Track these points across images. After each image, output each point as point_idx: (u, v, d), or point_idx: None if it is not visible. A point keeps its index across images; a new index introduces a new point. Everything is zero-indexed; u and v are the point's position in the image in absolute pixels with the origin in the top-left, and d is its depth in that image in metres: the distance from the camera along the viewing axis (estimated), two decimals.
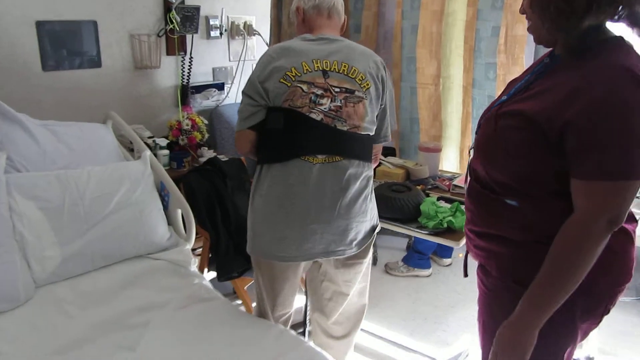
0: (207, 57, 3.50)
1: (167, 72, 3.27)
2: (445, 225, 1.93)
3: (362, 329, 2.60)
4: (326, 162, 1.64)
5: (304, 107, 1.60)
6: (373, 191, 1.81)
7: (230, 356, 1.56)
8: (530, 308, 1.13)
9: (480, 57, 2.49)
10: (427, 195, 2.22)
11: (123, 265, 2.04)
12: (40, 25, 2.67)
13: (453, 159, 2.81)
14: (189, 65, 3.30)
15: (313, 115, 1.61)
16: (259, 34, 3.68)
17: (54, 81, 2.78)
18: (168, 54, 3.24)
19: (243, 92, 1.68)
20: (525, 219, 1.17)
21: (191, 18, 3.18)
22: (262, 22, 3.69)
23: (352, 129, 1.65)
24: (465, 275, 1.49)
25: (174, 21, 3.05)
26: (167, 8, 3.09)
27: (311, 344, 1.65)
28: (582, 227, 1.07)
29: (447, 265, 3.35)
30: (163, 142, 2.89)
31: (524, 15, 1.18)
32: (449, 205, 2.03)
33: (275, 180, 1.66)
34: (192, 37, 3.32)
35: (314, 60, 1.61)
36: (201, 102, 3.42)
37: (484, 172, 1.23)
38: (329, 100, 1.61)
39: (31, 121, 2.19)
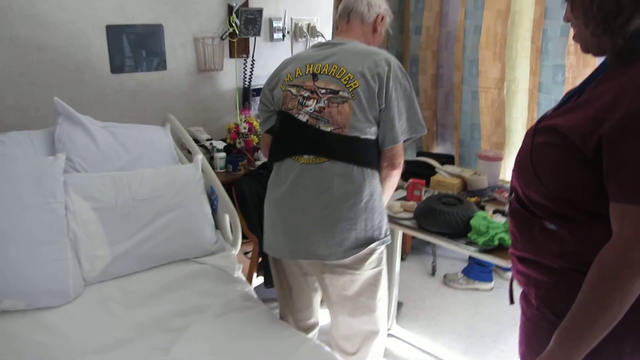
0: (270, 59, 3.52)
1: (229, 75, 3.32)
2: (496, 242, 1.81)
3: (411, 344, 2.53)
4: (312, 162, 1.68)
5: (294, 109, 1.71)
6: (377, 200, 1.72)
7: None
8: (562, 345, 1.02)
9: (547, 59, 2.32)
10: (482, 208, 2.09)
11: (169, 267, 2.08)
12: (110, 29, 2.79)
13: None
14: (251, 68, 3.33)
15: (300, 117, 1.70)
16: (322, 36, 3.65)
17: (121, 83, 2.89)
18: (231, 56, 3.28)
19: (260, 99, 1.89)
20: (565, 245, 1.06)
21: (253, 21, 3.20)
22: (326, 23, 3.66)
23: (335, 130, 1.65)
24: (511, 302, 1.37)
25: (233, 25, 3.08)
26: (231, 11, 3.13)
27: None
28: (618, 255, 0.95)
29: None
30: (220, 144, 2.93)
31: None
32: (503, 220, 1.91)
33: (273, 179, 1.79)
34: (255, 39, 3.35)
35: (307, 65, 1.72)
36: None
37: (521, 191, 1.14)
38: (315, 101, 1.67)
39: (93, 123, 2.28)
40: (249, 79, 3.34)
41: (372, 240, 1.71)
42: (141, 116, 2.92)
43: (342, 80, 1.65)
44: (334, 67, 1.67)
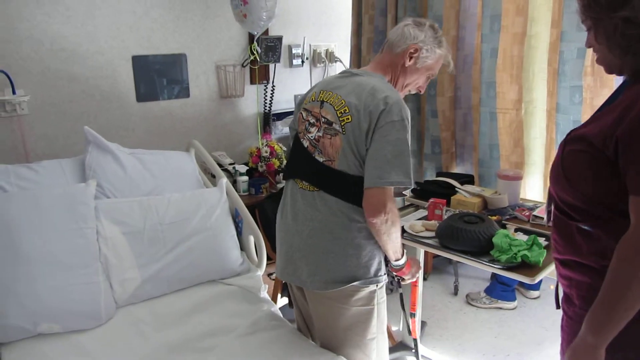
0: (289, 84, 3.61)
1: (250, 101, 3.41)
2: (519, 259, 1.82)
3: None
4: (307, 189, 1.67)
5: (301, 133, 1.71)
6: (364, 240, 1.63)
7: None
8: (590, 329, 1.12)
9: (565, 80, 2.35)
10: (504, 226, 2.11)
11: (197, 289, 2.12)
12: (135, 59, 2.89)
13: (536, 187, 2.66)
14: (272, 93, 3.41)
15: (304, 142, 1.69)
16: (340, 61, 3.74)
17: (146, 111, 2.99)
18: (252, 82, 3.37)
19: None
20: (600, 244, 1.15)
21: (273, 48, 3.30)
22: (343, 49, 3.74)
23: (326, 162, 1.63)
24: (558, 307, 1.41)
25: (254, 52, 3.17)
26: (252, 39, 3.23)
27: None
28: (633, 243, 1.05)
29: (534, 298, 3.16)
30: (243, 168, 3.00)
31: None
32: (525, 238, 1.92)
33: (281, 200, 1.82)
34: (275, 66, 3.44)
35: (321, 91, 1.69)
36: (282, 129, 3.51)
37: (557, 197, 1.23)
38: (316, 129, 1.65)
39: (121, 150, 2.36)
40: (270, 104, 3.42)
41: (355, 279, 1.64)
42: (166, 142, 3.01)
43: (338, 112, 1.60)
44: (338, 98, 1.62)
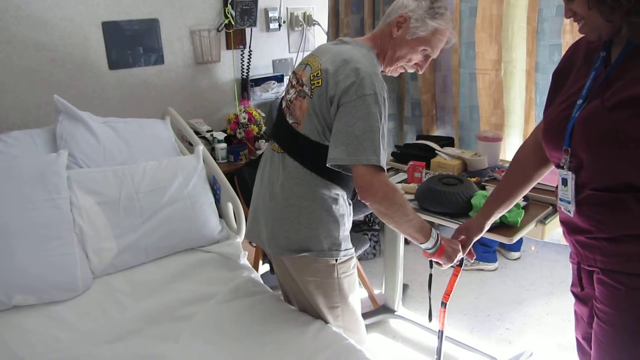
0: (267, 49, 3.53)
1: (227, 66, 3.33)
2: (498, 220, 1.82)
3: (418, 324, 2.55)
4: (277, 151, 1.64)
5: (284, 94, 1.67)
6: (326, 211, 1.56)
7: (268, 352, 1.57)
8: None
9: (544, 39, 2.32)
10: (483, 187, 2.10)
11: (175, 257, 2.11)
12: (106, 25, 2.80)
13: (516, 148, 2.65)
14: (249, 59, 3.34)
15: (282, 103, 1.66)
16: (319, 24, 3.66)
17: (119, 79, 2.90)
18: (228, 48, 3.29)
19: None
20: None
21: (249, 11, 3.21)
22: (322, 12, 3.66)
23: (294, 124, 1.58)
24: (582, 288, 1.34)
25: (228, 16, 3.09)
26: (226, 2, 3.14)
27: (351, 341, 1.62)
28: None
29: (515, 259, 3.19)
30: (220, 135, 2.95)
31: None
32: None
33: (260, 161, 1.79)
34: (251, 30, 3.36)
35: (310, 55, 1.63)
36: (261, 94, 3.45)
37: (608, 175, 1.14)
38: (294, 91, 1.60)
39: (93, 119, 2.30)
40: (247, 69, 3.35)
41: (307, 250, 1.58)
42: (141, 111, 2.94)
43: (311, 75, 1.54)
44: (317, 62, 1.55)
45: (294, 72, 1.66)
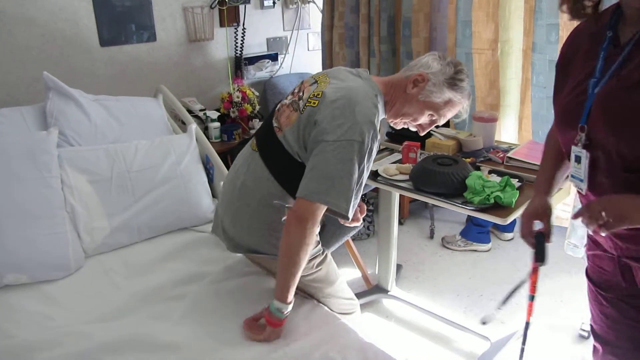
0: (261, 27, 3.48)
1: (220, 44, 3.29)
2: (492, 200, 1.81)
3: (412, 304, 2.56)
4: (252, 147, 1.61)
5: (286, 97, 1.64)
6: (278, 222, 1.51)
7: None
8: None
9: (541, 18, 2.29)
10: (478, 168, 2.09)
11: (168, 237, 2.10)
12: (96, 1, 2.74)
13: (511, 129, 2.64)
14: (242, 37, 3.30)
15: (278, 104, 1.63)
16: (314, 2, 3.61)
17: (111, 56, 2.86)
18: (221, 25, 3.24)
19: None
20: None
21: None
22: None
23: (276, 127, 1.54)
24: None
25: None
26: None
27: (344, 320, 1.62)
28: None
29: (508, 240, 3.20)
30: (214, 114, 2.92)
31: None
32: (499, 179, 1.91)
33: None
34: (245, 7, 3.31)
35: (324, 74, 1.57)
36: (255, 73, 3.42)
37: (630, 154, 1.08)
38: (291, 99, 1.57)
39: (84, 96, 2.26)
40: (241, 47, 3.31)
41: (259, 252, 1.60)
42: (132, 89, 2.91)
43: (312, 94, 1.49)
44: (325, 84, 1.50)
45: (302, 81, 1.62)
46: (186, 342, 1.49)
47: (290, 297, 1.46)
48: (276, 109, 1.62)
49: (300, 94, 1.54)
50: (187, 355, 1.45)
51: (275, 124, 1.55)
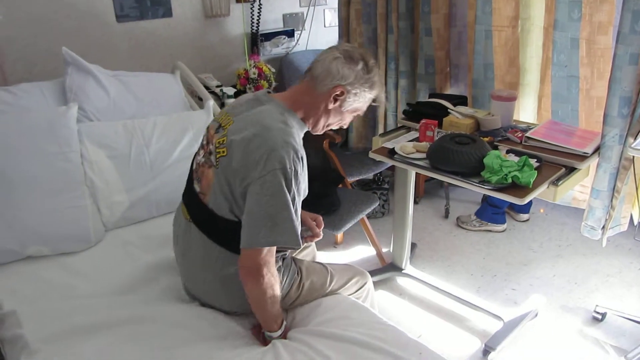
0: (277, 3, 3.45)
1: (237, 20, 3.27)
2: (509, 180, 1.80)
3: (425, 282, 2.58)
4: (184, 217, 1.55)
5: (198, 153, 1.54)
6: (234, 286, 1.45)
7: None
8: None
9: None
10: (496, 147, 2.08)
11: None
12: None
13: (530, 109, 2.61)
14: (259, 12, 3.27)
15: (193, 164, 1.56)
16: None
17: (127, 31, 2.86)
18: (237, 1, 3.22)
19: None
20: None
21: None
22: None
23: (200, 194, 1.47)
24: None
25: None
26: None
27: (353, 298, 1.64)
28: None
29: (523, 221, 3.19)
30: (230, 91, 2.91)
31: None
32: (516, 159, 1.90)
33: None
34: None
35: (225, 114, 1.50)
36: (271, 49, 3.40)
37: None
38: (203, 153, 1.49)
39: (102, 72, 2.27)
40: (257, 23, 3.29)
41: (218, 306, 1.57)
42: (149, 64, 2.91)
43: (217, 142, 1.41)
44: (228, 123, 1.43)
45: (207, 128, 1.53)
46: (201, 314, 1.55)
47: (277, 324, 1.46)
48: (193, 168, 1.55)
49: (210, 146, 1.45)
50: (200, 327, 1.49)
51: (198, 189, 1.48)
